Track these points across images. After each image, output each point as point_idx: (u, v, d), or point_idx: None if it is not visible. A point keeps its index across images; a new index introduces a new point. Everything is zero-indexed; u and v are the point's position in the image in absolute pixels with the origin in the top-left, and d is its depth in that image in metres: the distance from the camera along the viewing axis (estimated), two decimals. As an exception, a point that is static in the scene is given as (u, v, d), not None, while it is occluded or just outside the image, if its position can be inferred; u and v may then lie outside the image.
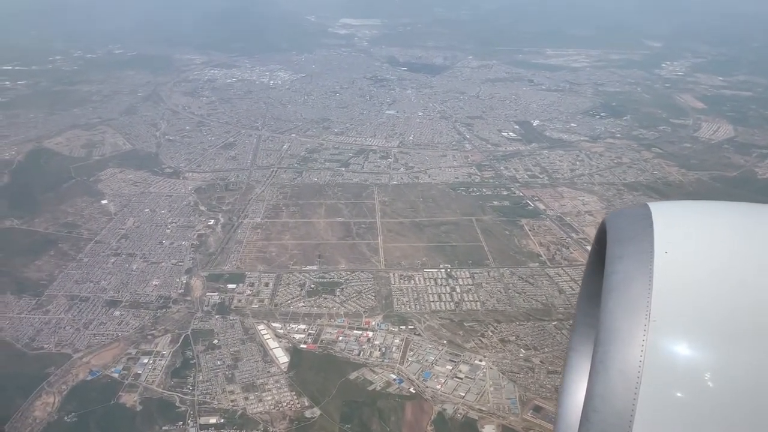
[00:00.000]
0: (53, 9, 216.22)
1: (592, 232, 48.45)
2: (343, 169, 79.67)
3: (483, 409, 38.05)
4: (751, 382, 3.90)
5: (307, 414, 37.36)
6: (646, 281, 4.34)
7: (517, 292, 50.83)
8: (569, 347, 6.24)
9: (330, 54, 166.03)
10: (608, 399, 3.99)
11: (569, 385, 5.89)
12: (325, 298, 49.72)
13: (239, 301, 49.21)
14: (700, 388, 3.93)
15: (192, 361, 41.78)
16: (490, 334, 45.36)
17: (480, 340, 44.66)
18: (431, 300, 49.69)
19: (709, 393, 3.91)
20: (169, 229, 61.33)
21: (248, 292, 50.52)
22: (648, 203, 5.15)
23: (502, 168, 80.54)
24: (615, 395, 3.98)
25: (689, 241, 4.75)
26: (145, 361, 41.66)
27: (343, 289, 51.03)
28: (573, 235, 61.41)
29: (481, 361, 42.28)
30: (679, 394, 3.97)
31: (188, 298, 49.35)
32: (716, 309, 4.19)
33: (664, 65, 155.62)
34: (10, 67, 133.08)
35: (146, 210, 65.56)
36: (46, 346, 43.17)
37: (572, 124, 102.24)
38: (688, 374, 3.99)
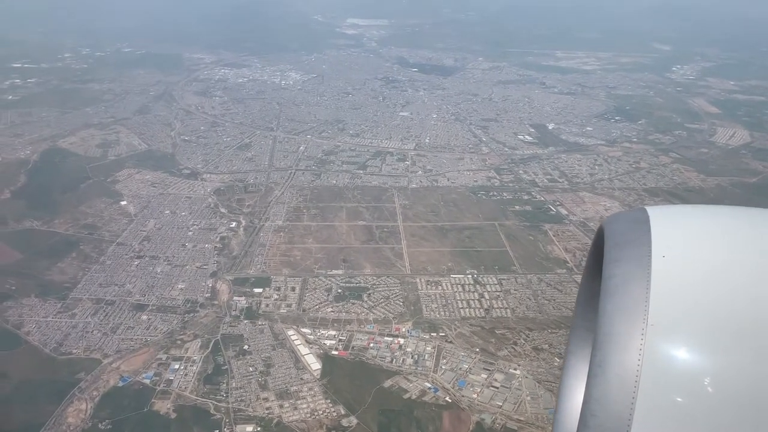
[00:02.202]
0: (57, 7, 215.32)
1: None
2: (361, 171, 79.16)
3: (521, 419, 37.63)
4: (749, 386, 3.85)
5: (344, 422, 36.86)
6: (644, 285, 4.30)
7: (547, 299, 50.38)
8: (567, 350, 6.19)
9: (340, 54, 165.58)
10: (606, 403, 3.95)
11: (567, 389, 5.84)
12: (353, 304, 49.22)
13: (267, 305, 48.68)
14: (698, 393, 3.90)
15: (224, 367, 41.26)
16: (523, 342, 44.90)
17: (513, 348, 44.21)
18: (460, 306, 49.21)
19: (707, 397, 3.88)
20: (191, 231, 60.76)
21: (275, 296, 49.99)
22: (645, 207, 5.09)
23: (521, 172, 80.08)
24: (613, 399, 3.94)
25: (687, 245, 4.72)
26: (177, 366, 41.10)
27: (370, 294, 50.54)
28: (598, 240, 60.82)
29: (515, 369, 41.84)
30: (677, 399, 3.94)
31: (215, 302, 48.81)
32: (714, 313, 4.16)
33: (674, 69, 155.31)
34: (19, 65, 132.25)
35: (166, 212, 64.96)
36: (74, 350, 42.59)
37: (588, 128, 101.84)
38: (686, 378, 3.97)
